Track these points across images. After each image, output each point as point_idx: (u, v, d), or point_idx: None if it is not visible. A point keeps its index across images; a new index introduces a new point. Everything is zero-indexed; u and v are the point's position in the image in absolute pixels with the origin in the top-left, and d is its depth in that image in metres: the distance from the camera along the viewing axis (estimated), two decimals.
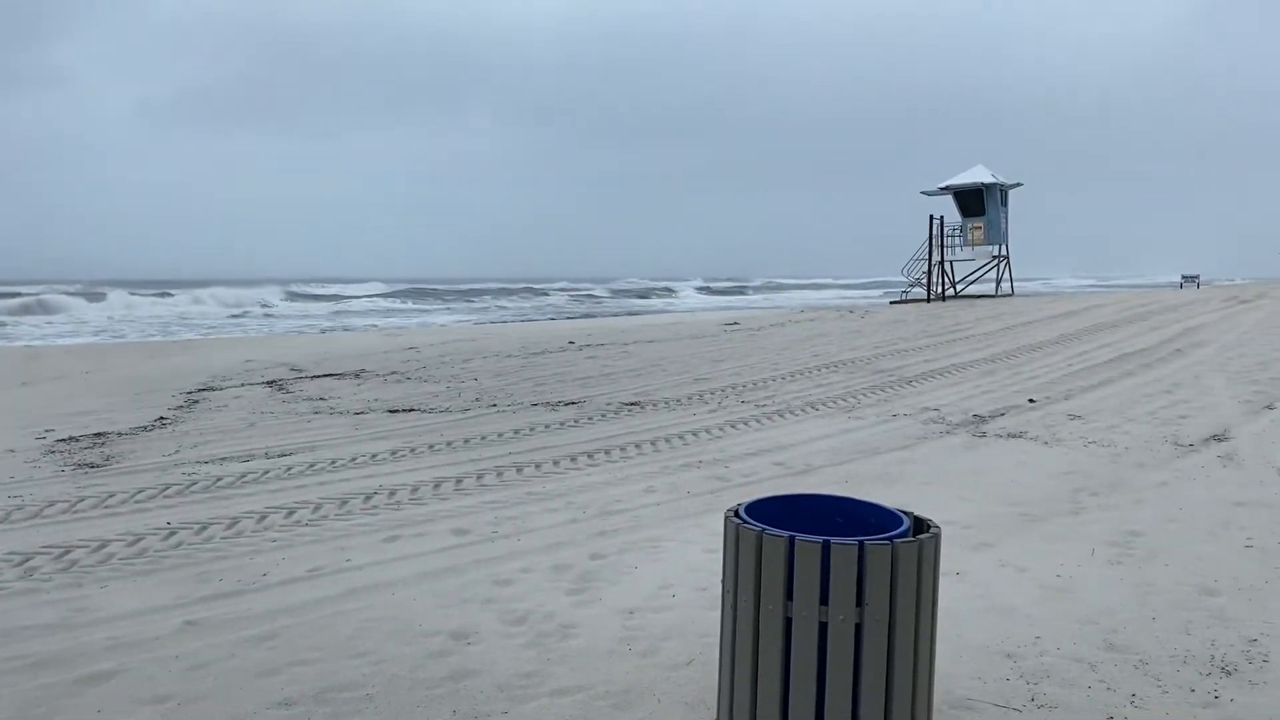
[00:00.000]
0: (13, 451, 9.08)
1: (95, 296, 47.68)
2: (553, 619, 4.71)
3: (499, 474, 7.92)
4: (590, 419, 10.51)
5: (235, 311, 44.43)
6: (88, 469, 8.24)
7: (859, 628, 2.94)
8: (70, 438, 9.80)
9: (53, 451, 9.11)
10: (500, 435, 9.59)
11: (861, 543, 2.91)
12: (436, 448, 9.00)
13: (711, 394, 12.27)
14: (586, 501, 7.04)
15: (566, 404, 11.60)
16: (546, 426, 10.06)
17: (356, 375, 15.10)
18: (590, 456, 8.59)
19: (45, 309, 41.55)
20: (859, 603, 2.93)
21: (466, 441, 9.28)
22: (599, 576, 5.37)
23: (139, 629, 4.62)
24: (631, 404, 11.50)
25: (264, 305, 48.61)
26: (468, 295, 63.12)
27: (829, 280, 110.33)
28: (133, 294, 50.54)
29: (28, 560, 5.67)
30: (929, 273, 39.14)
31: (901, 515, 3.24)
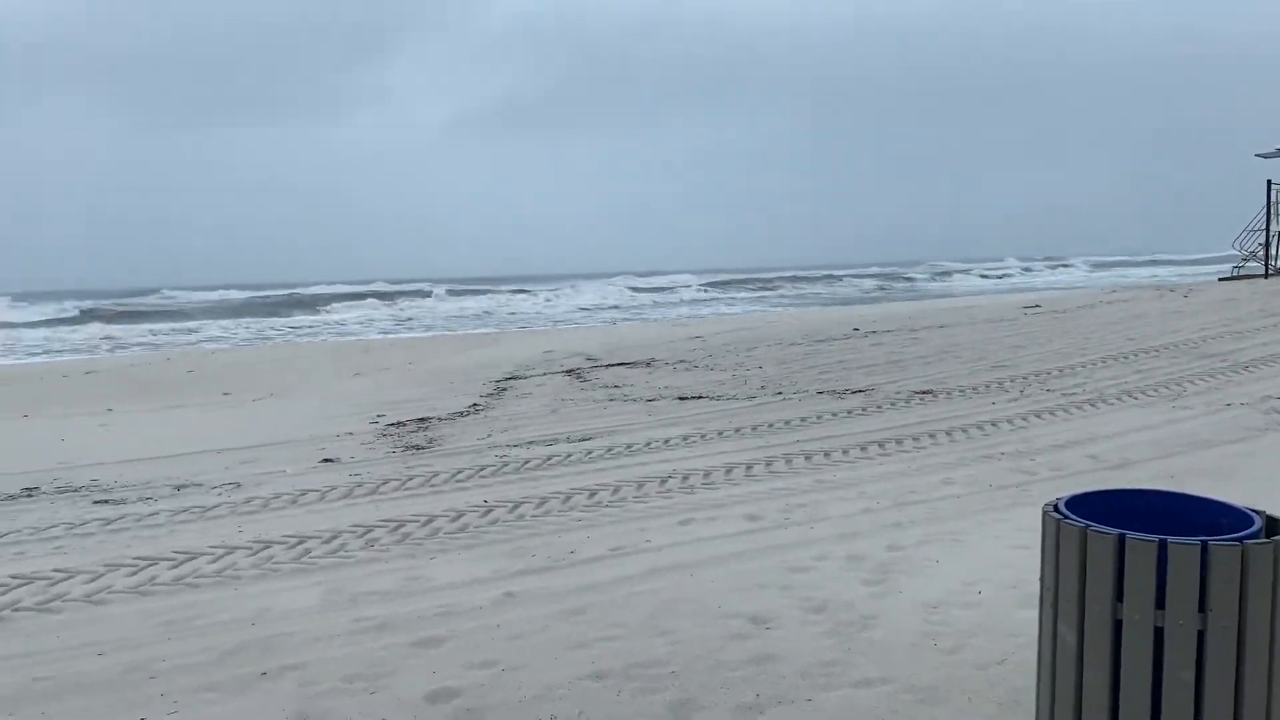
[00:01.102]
0: (351, 434, 10.13)
1: (421, 294, 52.43)
2: (852, 609, 4.65)
3: (788, 461, 7.92)
4: (879, 407, 10.27)
5: (597, 304, 46.46)
6: (414, 450, 9.05)
7: (1202, 635, 2.68)
8: (398, 422, 10.79)
9: (384, 435, 10.07)
10: (788, 423, 9.57)
11: (1205, 543, 2.65)
12: (726, 434, 9.12)
13: (1012, 381, 11.63)
14: (879, 491, 6.89)
15: (853, 392, 11.40)
16: (834, 415, 9.93)
17: (647, 364, 15.60)
18: (881, 446, 8.39)
19: (382, 305, 45.99)
20: (1202, 608, 2.67)
21: (755, 428, 9.35)
22: (897, 568, 5.23)
23: (464, 598, 5.02)
24: (923, 392, 11.13)
25: (603, 298, 50.63)
26: (769, 284, 63.16)
27: (1151, 257, 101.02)
28: (451, 291, 54.81)
29: (369, 532, 6.31)
30: (1266, 245, 35.03)
31: (1251, 514, 2.91)
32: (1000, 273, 71.98)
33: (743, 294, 55.27)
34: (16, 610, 5.04)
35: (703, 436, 9.06)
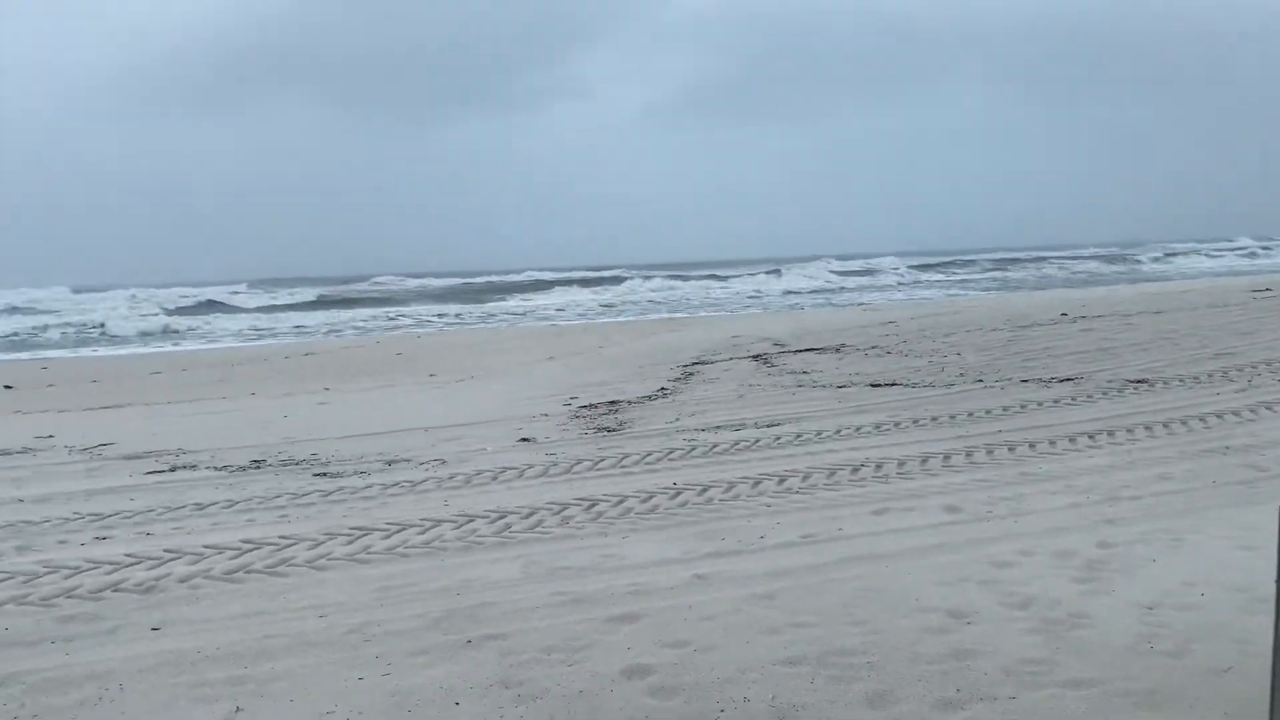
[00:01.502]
0: (546, 415, 10.44)
1: (615, 280, 53.57)
2: (1059, 606, 4.42)
3: (989, 451, 7.61)
4: (1089, 396, 9.72)
5: (798, 288, 46.17)
6: (605, 432, 9.24)
7: None
8: (590, 405, 11.05)
9: (577, 417, 10.33)
10: (988, 412, 9.20)
11: None
12: (921, 422, 8.86)
13: (1239, 371, 10.76)
14: (1089, 485, 6.52)
15: (1060, 380, 10.83)
16: (1039, 404, 9.47)
17: (837, 350, 15.34)
18: (1091, 437, 7.94)
19: (579, 291, 47.30)
20: None
21: (952, 417, 9.03)
22: (1109, 566, 4.94)
23: (655, 578, 5.09)
24: (1137, 381, 10.45)
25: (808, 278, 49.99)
26: (975, 265, 60.69)
27: None
28: (660, 275, 55.51)
29: (564, 510, 6.49)
30: None
31: None
32: (1237, 251, 66.40)
33: (946, 276, 53.25)
34: (249, 573, 5.48)
35: (897, 424, 8.84)
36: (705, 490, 6.84)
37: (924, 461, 7.39)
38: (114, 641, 4.52)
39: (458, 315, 37.56)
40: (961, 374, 11.76)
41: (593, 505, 6.58)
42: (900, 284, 48.10)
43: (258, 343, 28.21)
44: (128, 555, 5.80)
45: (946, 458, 7.48)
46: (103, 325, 35.10)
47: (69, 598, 5.13)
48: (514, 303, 43.35)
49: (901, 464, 7.33)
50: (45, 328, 35.17)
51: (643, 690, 3.79)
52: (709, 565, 5.27)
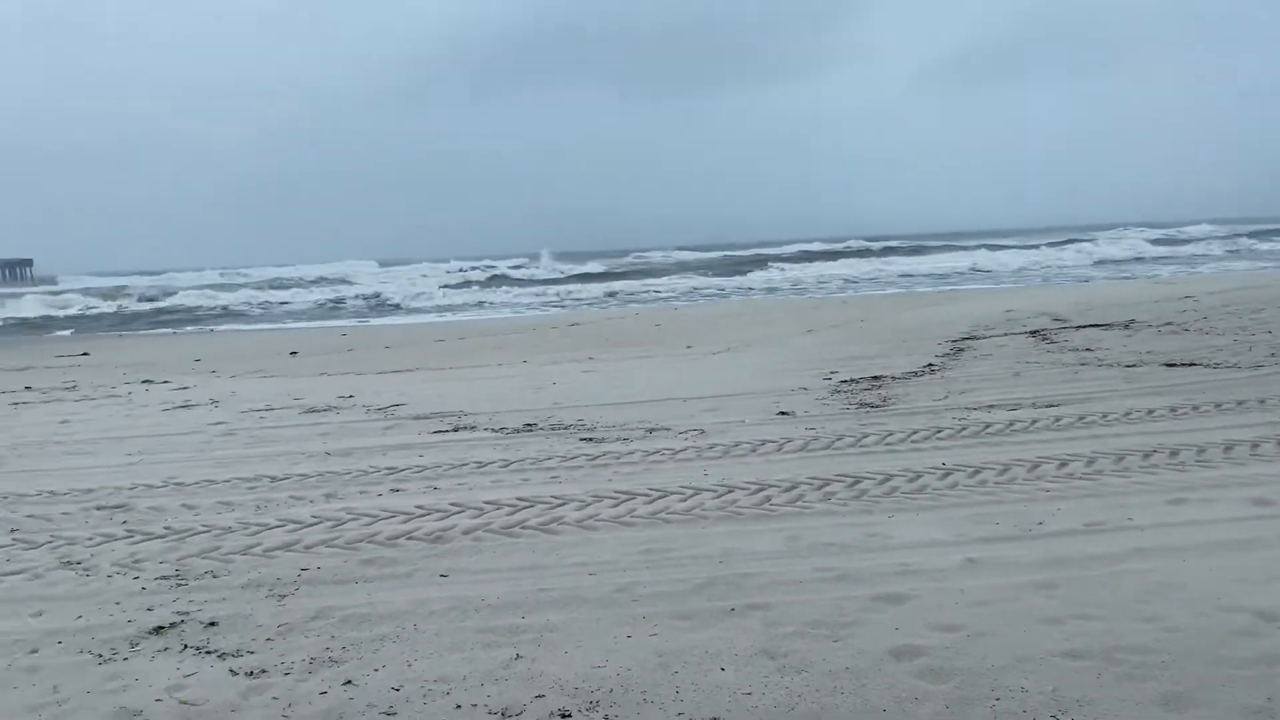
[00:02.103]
0: (805, 389, 10.33)
1: (870, 252, 52.36)
2: None
3: None
4: None
5: (1107, 258, 43.57)
6: (868, 409, 9.02)
7: None
8: (851, 380, 10.82)
9: (837, 391, 10.15)
10: None
11: None
12: (1225, 407, 8.03)
13: None
14: None
15: None
16: None
17: (1125, 326, 14.21)
18: None
19: (845, 262, 46.62)
20: None
21: (1262, 402, 8.13)
22: None
23: (924, 559, 4.91)
24: None
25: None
26: None
27: None
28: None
29: (826, 485, 6.40)
30: None
31: None
32: None
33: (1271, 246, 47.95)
34: (524, 528, 5.78)
35: (1195, 409, 8.06)
36: (977, 472, 6.53)
37: (1228, 449, 6.70)
38: (409, 585, 4.91)
39: (721, 289, 37.92)
40: (1272, 354, 10.56)
41: (855, 482, 6.44)
42: (1218, 254, 43.63)
43: (530, 314, 29.76)
44: (418, 507, 6.28)
45: (1255, 446, 6.74)
46: (381, 297, 38.34)
47: (369, 543, 5.62)
48: (772, 274, 43.29)
49: (1201, 451, 6.69)
50: (342, 300, 38.86)
51: (911, 672, 3.67)
52: (982, 549, 5.03)
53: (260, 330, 27.83)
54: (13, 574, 5.31)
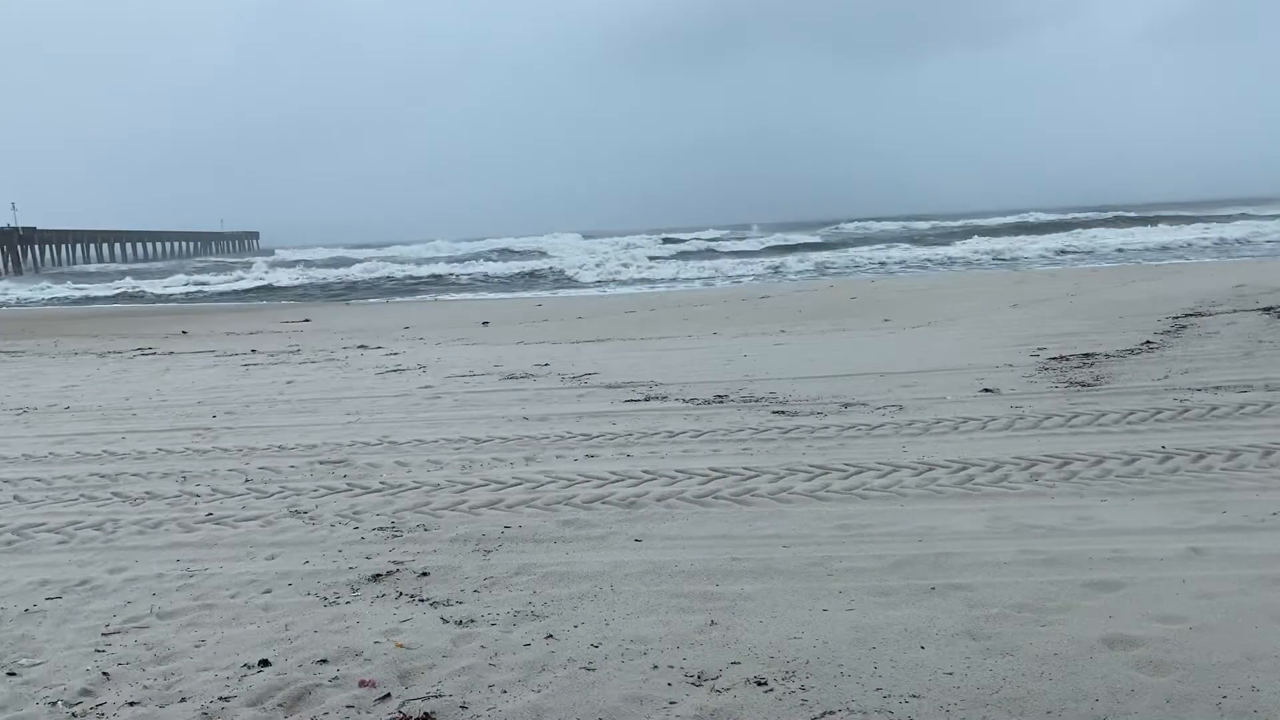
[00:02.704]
0: (1011, 366, 9.89)
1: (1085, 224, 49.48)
2: None
3: None
4: None
5: None
6: (1079, 387, 8.55)
7: None
8: (1060, 357, 10.28)
9: (1045, 369, 9.66)
10: None
11: None
12: None
13: None
14: None
15: None
16: None
17: None
18: None
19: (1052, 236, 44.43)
20: None
21: None
22: None
23: (1141, 546, 4.62)
24: None
25: None
26: None
27: None
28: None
29: (1032, 466, 6.11)
30: None
31: None
32: None
33: None
34: (716, 498, 5.81)
35: None
36: (1202, 457, 6.08)
37: None
38: (604, 547, 5.04)
39: (926, 260, 36.78)
40: None
41: (1065, 464, 6.12)
42: None
43: (722, 286, 29.80)
44: (612, 473, 6.42)
45: None
46: (578, 268, 39.30)
47: (566, 505, 5.79)
48: (978, 244, 41.67)
49: None
50: (540, 271, 40.14)
51: (1127, 662, 3.47)
52: (1207, 539, 4.69)
53: (464, 300, 29.11)
54: (248, 520, 5.79)
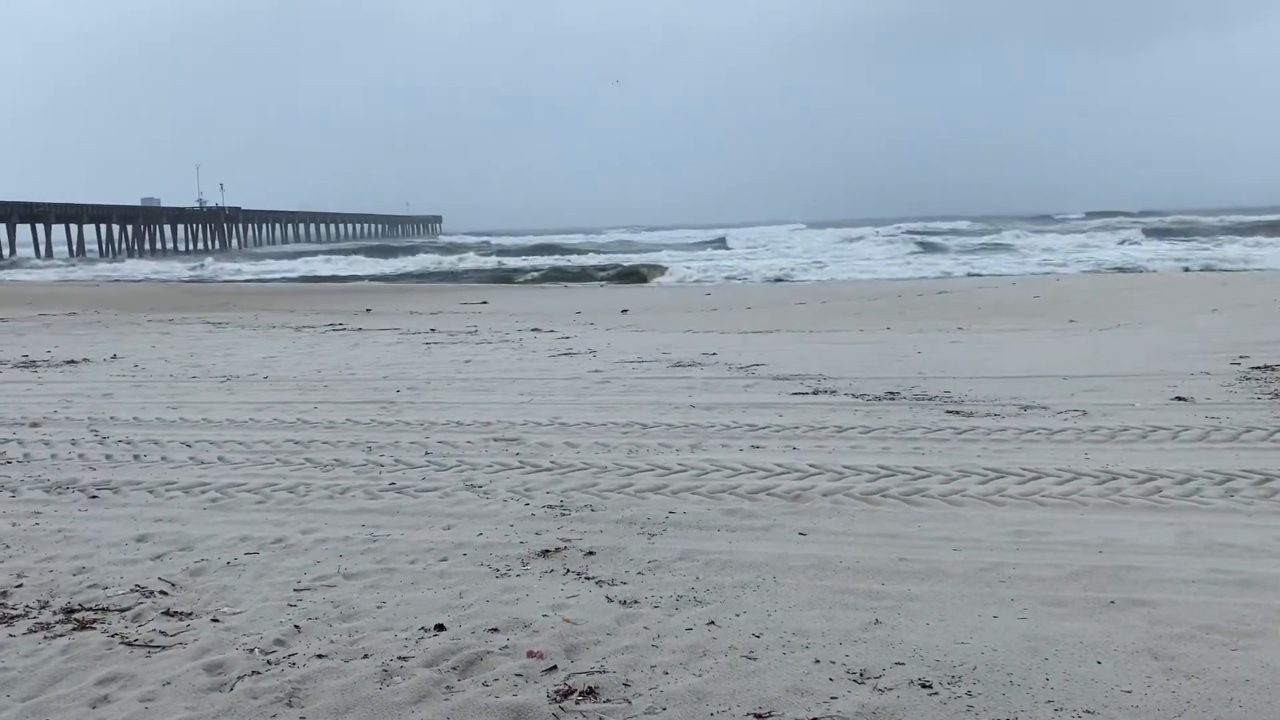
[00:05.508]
0: (1208, 374, 9.28)
1: None
2: None
3: None
4: None
5: None
6: None
7: None
8: (1265, 366, 9.57)
9: (1247, 378, 9.03)
10: None
11: None
12: None
13: None
14: None
15: None
16: None
17: None
18: None
19: None
20: None
21: None
22: None
23: None
24: None
25: None
26: None
27: None
28: None
29: (1228, 481, 5.73)
30: None
31: None
32: None
33: None
34: (884, 496, 5.71)
35: None
36: None
37: None
38: (767, 538, 5.04)
39: (1152, 260, 34.80)
40: None
41: (1266, 480, 5.71)
42: None
43: (900, 280, 29.14)
44: (778, 465, 6.40)
45: None
46: (763, 260, 39.21)
47: (731, 494, 5.82)
48: (1177, 246, 39.19)
49: None
50: (721, 261, 40.32)
51: None
52: None
53: (629, 289, 29.51)
54: (428, 491, 6.08)
